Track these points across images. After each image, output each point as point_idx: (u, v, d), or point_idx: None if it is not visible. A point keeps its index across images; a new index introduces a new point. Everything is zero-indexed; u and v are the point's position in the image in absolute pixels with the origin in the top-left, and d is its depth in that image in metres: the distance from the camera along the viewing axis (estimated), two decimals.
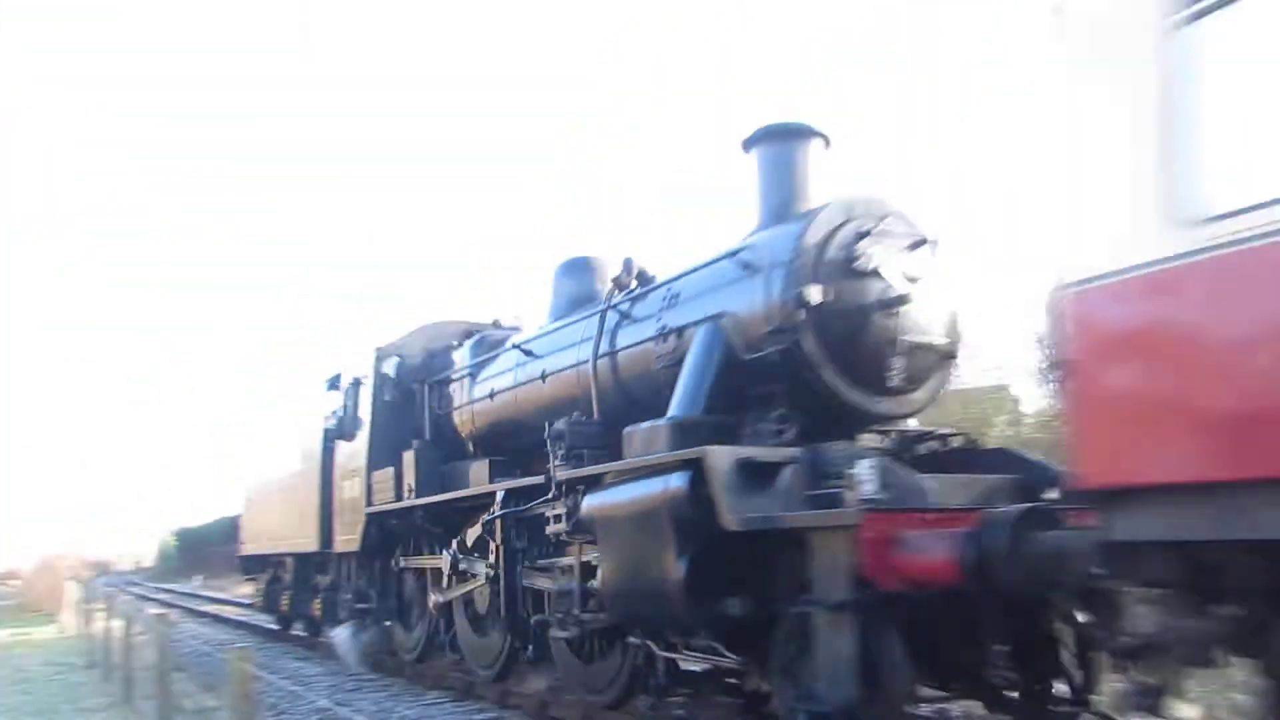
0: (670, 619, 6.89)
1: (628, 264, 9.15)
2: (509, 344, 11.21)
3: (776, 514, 6.09)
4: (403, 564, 13.03)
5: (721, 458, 6.30)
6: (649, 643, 7.54)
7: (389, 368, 13.16)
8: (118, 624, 14.27)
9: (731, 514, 6.14)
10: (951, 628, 6.16)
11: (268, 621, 20.72)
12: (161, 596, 40.74)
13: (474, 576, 10.87)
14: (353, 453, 13.85)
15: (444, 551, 11.54)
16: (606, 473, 7.53)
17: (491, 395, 11.18)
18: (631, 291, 9.02)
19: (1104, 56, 4.19)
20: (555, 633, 8.73)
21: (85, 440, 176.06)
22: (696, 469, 6.41)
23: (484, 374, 11.61)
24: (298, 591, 17.46)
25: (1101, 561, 4.34)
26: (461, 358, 12.44)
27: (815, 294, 6.85)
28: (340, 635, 14.47)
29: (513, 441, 10.62)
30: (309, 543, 15.49)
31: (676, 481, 6.53)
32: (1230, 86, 3.75)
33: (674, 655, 7.46)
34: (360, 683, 13.13)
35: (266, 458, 19.10)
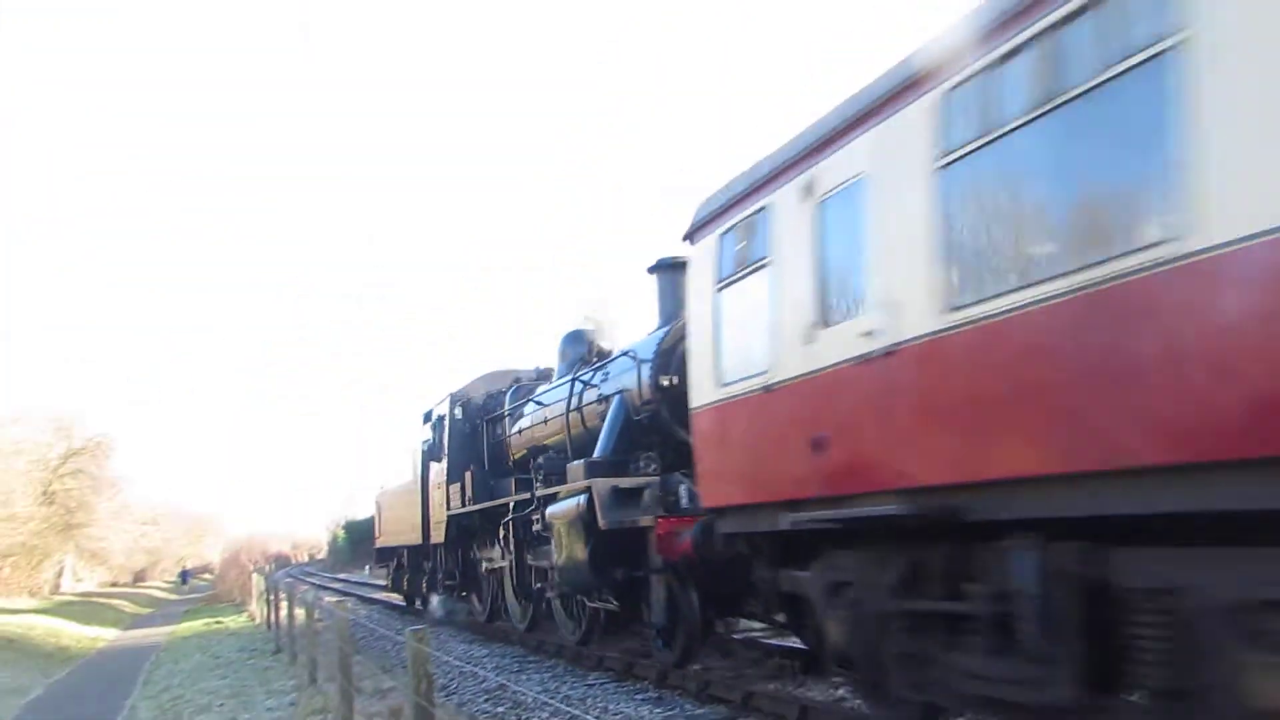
0: (585, 583, 11.85)
1: (589, 345, 14.20)
2: (535, 393, 16.37)
3: (626, 518, 10.92)
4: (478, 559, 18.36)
5: (601, 485, 11.27)
6: (583, 598, 12.61)
7: (459, 408, 18.61)
8: (300, 612, 15.96)
9: (603, 520, 11.08)
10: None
11: (399, 599, 26.70)
12: (336, 585, 45.04)
13: (499, 566, 16.38)
14: (439, 470, 19.37)
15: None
16: (557, 492, 12.55)
17: (520, 431, 16.44)
18: (591, 364, 14.01)
19: (697, 296, 8.90)
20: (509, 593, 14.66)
21: (252, 438, 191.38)
22: (590, 492, 11.32)
23: (518, 414, 16.85)
24: (412, 574, 23.47)
25: (722, 545, 9.03)
26: (507, 401, 17.74)
27: (665, 381, 11.70)
28: (435, 602, 20.29)
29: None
30: (416, 537, 21.19)
31: (582, 500, 11.49)
32: (729, 322, 8.42)
33: (597, 605, 12.46)
34: (524, 664, 14.46)
35: (391, 472, 25.27)
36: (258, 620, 26.63)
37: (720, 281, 8.52)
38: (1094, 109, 5.05)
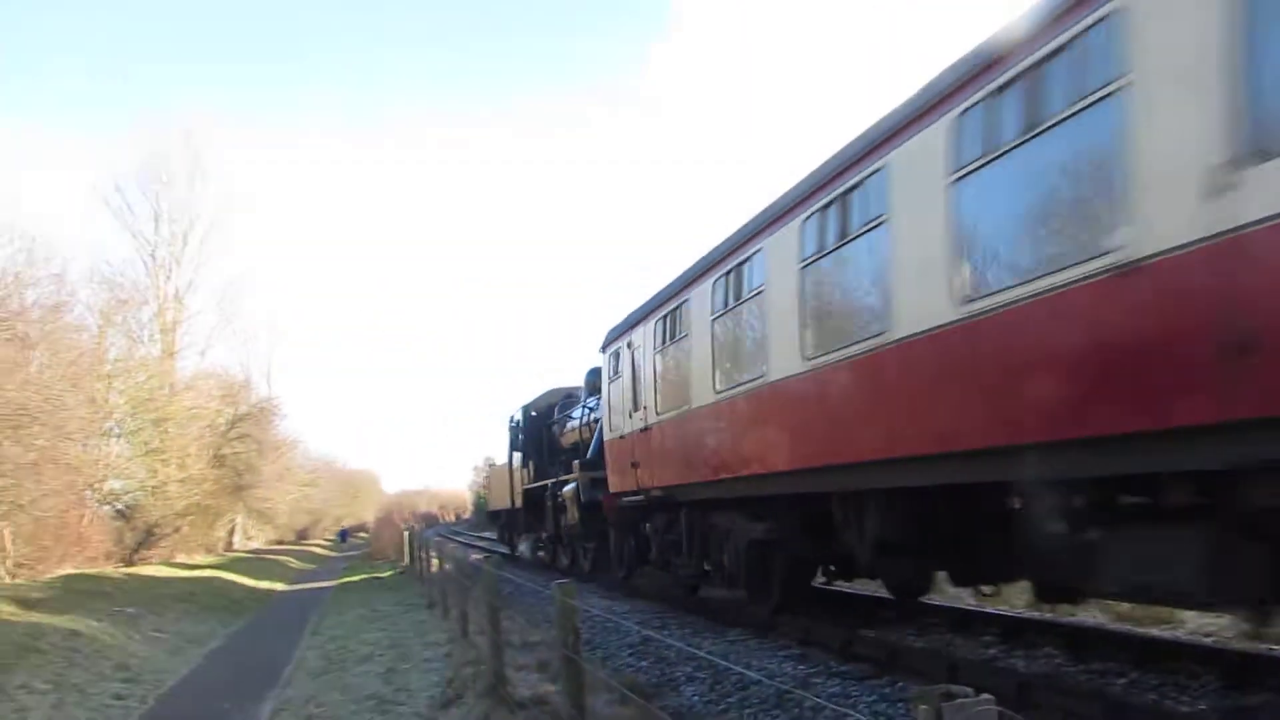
0: (579, 535, 22.67)
1: (593, 383, 23.83)
2: (571, 409, 26.78)
3: (594, 496, 21.01)
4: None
5: (584, 476, 21.78)
6: (584, 544, 22.79)
7: (529, 415, 29.77)
8: (449, 568, 18.44)
9: (584, 496, 21.61)
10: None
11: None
12: (480, 544, 49.81)
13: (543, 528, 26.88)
14: (518, 457, 30.56)
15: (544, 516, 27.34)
16: (566, 479, 22.58)
17: (562, 434, 26.99)
18: (595, 395, 23.66)
19: (604, 383, 18.79)
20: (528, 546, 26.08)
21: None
22: (579, 480, 21.28)
23: (563, 422, 27.34)
24: (509, 530, 35.69)
25: (629, 509, 18.76)
26: (556, 412, 28.33)
27: None
28: (522, 545, 32.51)
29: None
30: (508, 503, 32.77)
31: (576, 484, 21.95)
32: (613, 400, 18.13)
33: (588, 547, 22.87)
34: (665, 620, 16.01)
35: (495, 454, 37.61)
36: (409, 575, 32.06)
37: (609, 379, 18.67)
38: (683, 346, 14.37)
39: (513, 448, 31.65)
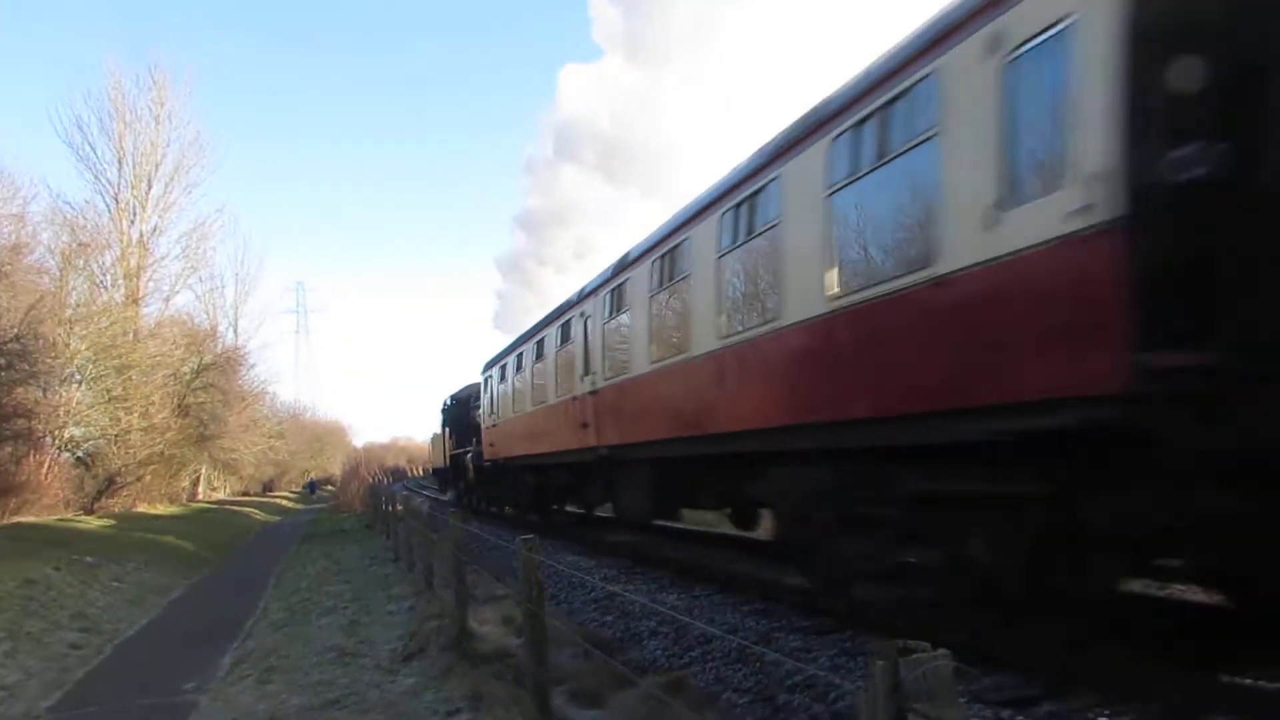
0: (476, 486, 37.44)
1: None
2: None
3: (481, 462, 34.76)
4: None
5: (477, 448, 35.72)
6: (477, 491, 37.73)
7: (455, 401, 43.68)
8: (415, 523, 18.31)
9: (475, 461, 36.36)
10: None
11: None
12: (446, 498, 49.00)
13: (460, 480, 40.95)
14: (448, 430, 45.17)
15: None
16: (470, 449, 36.79)
17: (475, 417, 39.19)
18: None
19: (482, 390, 32.83)
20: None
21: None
22: (474, 450, 34.92)
23: (476, 408, 39.15)
24: (443, 482, 50.82)
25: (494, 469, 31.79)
26: (472, 400, 40.50)
27: None
28: (448, 493, 46.48)
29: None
30: (442, 463, 47.69)
31: (472, 453, 35.90)
32: (492, 402, 30.83)
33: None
34: (630, 575, 16.24)
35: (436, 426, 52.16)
36: (375, 528, 32.67)
37: (484, 391, 32.87)
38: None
39: (444, 424, 46.16)
